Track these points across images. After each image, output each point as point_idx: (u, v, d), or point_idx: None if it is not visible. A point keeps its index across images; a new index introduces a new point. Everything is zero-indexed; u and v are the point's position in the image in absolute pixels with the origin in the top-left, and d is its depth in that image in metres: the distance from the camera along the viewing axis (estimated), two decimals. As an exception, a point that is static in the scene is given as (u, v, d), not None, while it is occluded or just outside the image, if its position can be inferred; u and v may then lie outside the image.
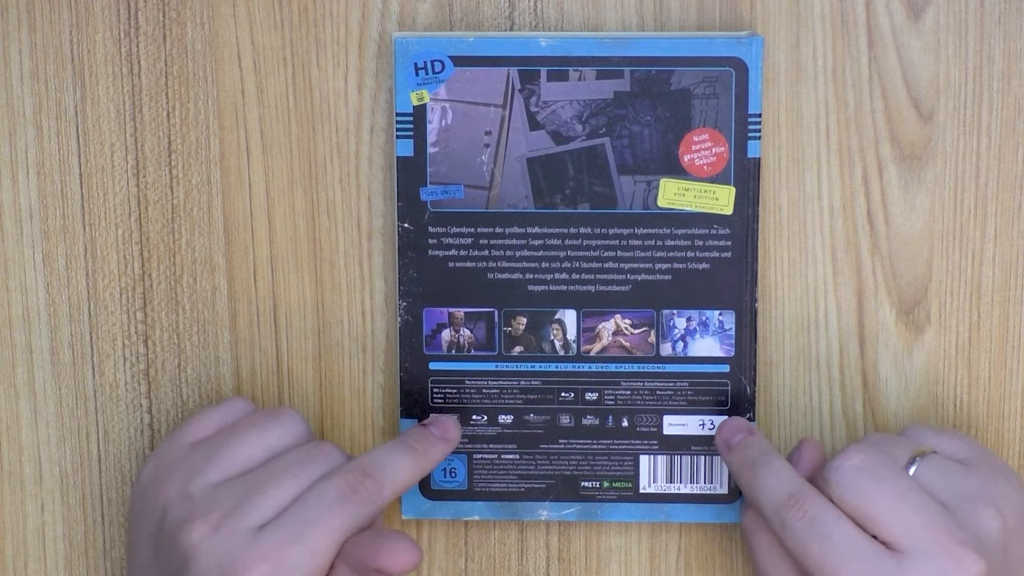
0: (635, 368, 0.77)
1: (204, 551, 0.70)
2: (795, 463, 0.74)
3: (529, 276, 0.77)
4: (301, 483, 0.71)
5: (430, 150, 0.76)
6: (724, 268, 0.77)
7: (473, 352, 0.78)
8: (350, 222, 0.79)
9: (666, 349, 0.77)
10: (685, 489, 0.78)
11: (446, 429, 0.75)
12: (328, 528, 0.70)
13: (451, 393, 0.78)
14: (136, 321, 0.80)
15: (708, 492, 0.78)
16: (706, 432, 0.78)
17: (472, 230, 0.77)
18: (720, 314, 0.77)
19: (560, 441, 0.78)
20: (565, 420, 0.78)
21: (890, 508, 0.70)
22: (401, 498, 0.79)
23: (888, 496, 0.70)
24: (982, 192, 0.78)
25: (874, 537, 0.70)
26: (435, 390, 0.78)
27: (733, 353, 0.77)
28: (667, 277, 0.77)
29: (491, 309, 0.77)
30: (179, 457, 0.74)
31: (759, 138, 0.76)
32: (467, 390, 0.78)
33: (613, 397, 0.78)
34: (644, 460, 0.78)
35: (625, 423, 0.78)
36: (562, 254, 0.77)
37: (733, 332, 0.77)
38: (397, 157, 0.77)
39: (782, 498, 0.70)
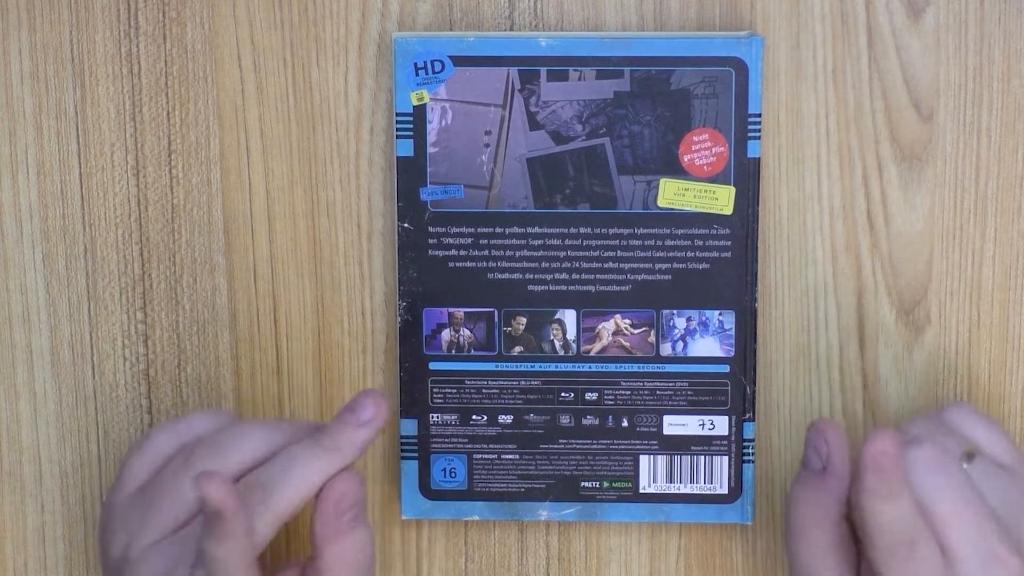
0: (635, 368, 0.77)
1: None
2: (819, 451, 0.72)
3: (529, 276, 0.77)
4: None
5: (430, 150, 0.76)
6: (724, 268, 0.77)
7: (473, 352, 0.78)
8: (350, 222, 0.79)
9: (666, 349, 0.77)
10: (685, 489, 0.78)
11: (362, 411, 0.70)
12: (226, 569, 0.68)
13: (451, 393, 0.78)
14: (136, 321, 0.80)
15: (708, 492, 0.78)
16: (706, 432, 0.78)
17: (472, 230, 0.77)
18: (720, 314, 0.77)
19: (560, 441, 0.78)
20: (565, 420, 0.78)
21: (953, 509, 0.70)
22: (401, 498, 0.79)
23: (952, 497, 0.70)
24: (982, 192, 0.78)
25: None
26: (435, 390, 0.78)
27: (733, 353, 0.77)
28: (667, 277, 0.77)
29: (491, 309, 0.77)
30: (121, 511, 0.73)
31: (759, 138, 0.76)
32: (467, 390, 0.78)
33: (613, 397, 0.78)
34: (644, 460, 0.78)
35: (625, 423, 0.78)
36: (562, 254, 0.77)
37: (733, 332, 0.77)
38: (397, 157, 0.77)
39: (904, 541, 0.69)
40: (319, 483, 0.70)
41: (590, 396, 0.78)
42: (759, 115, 0.76)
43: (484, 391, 0.78)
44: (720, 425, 0.78)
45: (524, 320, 0.77)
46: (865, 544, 0.70)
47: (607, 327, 0.77)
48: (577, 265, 0.77)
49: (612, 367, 0.77)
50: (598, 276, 0.77)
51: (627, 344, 0.77)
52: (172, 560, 0.71)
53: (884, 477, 0.68)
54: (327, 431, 0.71)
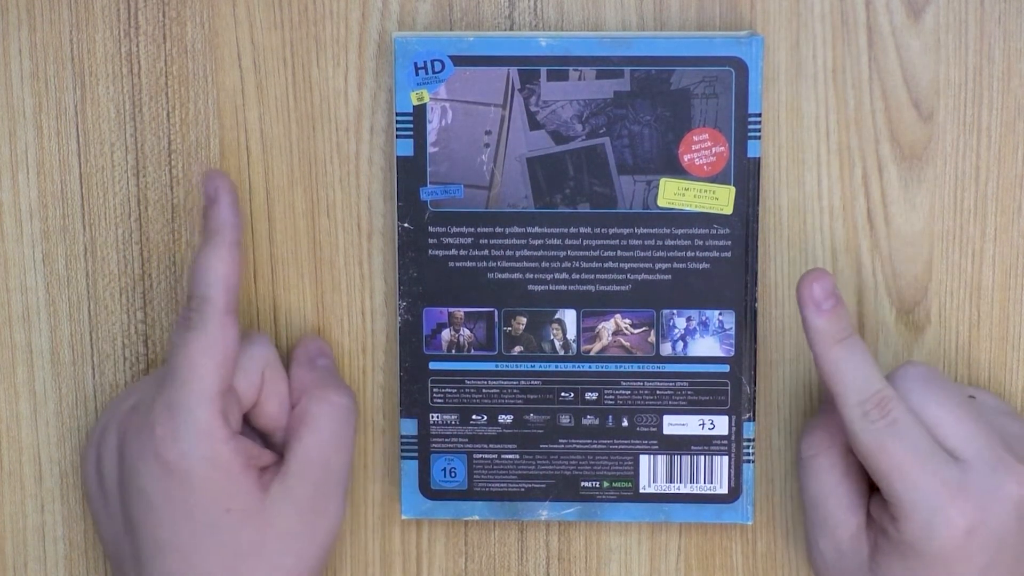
0: (635, 368, 0.77)
1: (127, 432, 0.73)
2: (810, 301, 0.74)
3: (529, 276, 0.77)
4: None
5: (430, 150, 0.76)
6: (724, 268, 0.77)
7: (473, 352, 0.78)
8: (350, 222, 0.79)
9: (666, 349, 0.77)
10: (685, 489, 0.78)
11: (207, 190, 0.74)
12: (187, 361, 0.71)
13: (451, 393, 0.78)
14: (136, 321, 0.80)
15: (708, 492, 0.78)
16: (706, 432, 0.78)
17: (472, 230, 0.77)
18: (720, 314, 0.77)
19: (560, 441, 0.78)
20: (565, 420, 0.78)
21: (954, 417, 0.71)
22: (401, 498, 0.79)
23: (952, 405, 0.72)
24: (982, 192, 0.78)
25: None
26: (435, 390, 0.78)
27: (733, 353, 0.77)
28: (667, 277, 0.77)
29: (491, 309, 0.77)
30: (107, 414, 0.76)
31: (759, 138, 0.76)
32: (467, 390, 0.78)
33: (613, 397, 0.78)
34: (644, 460, 0.78)
35: (625, 423, 0.78)
36: (562, 254, 0.77)
37: (733, 332, 0.77)
38: (397, 157, 0.77)
39: (868, 393, 0.70)
40: (227, 270, 0.72)
41: (590, 396, 0.78)
42: (759, 115, 0.76)
43: (484, 391, 0.78)
44: (720, 425, 0.78)
45: (524, 320, 0.77)
46: (840, 413, 0.71)
47: (607, 327, 0.77)
48: (577, 265, 0.77)
49: (612, 367, 0.77)
50: (598, 276, 0.77)
51: (627, 344, 0.77)
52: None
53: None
54: (205, 221, 0.74)
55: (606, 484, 0.78)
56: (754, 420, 0.78)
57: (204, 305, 0.71)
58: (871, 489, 0.74)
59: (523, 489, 0.79)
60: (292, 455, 0.74)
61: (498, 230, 0.77)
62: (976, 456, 0.70)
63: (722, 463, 0.78)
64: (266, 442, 0.76)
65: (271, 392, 0.75)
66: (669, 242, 0.76)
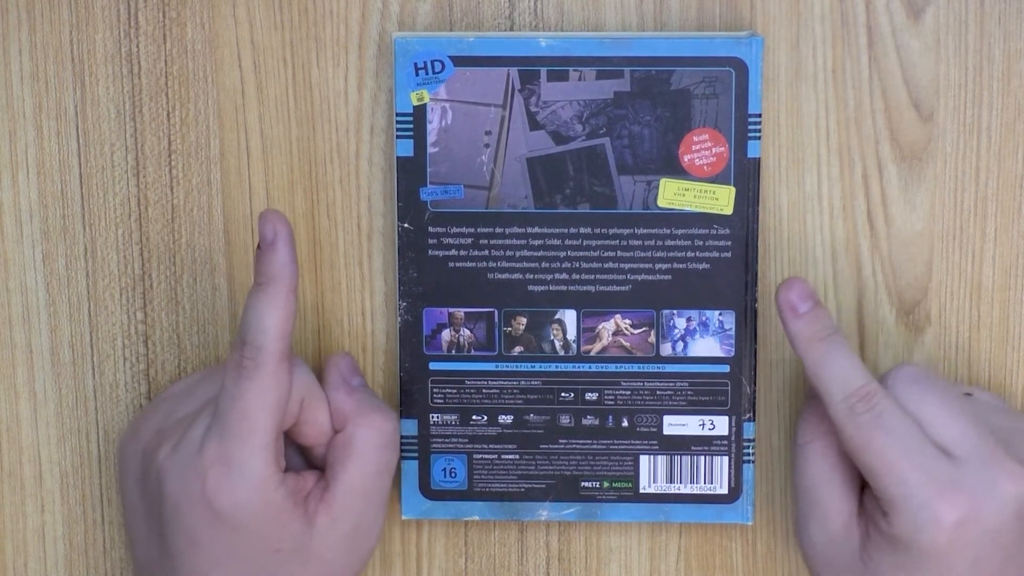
0: (635, 368, 0.77)
1: (168, 469, 0.72)
2: (787, 306, 0.74)
3: (529, 276, 0.77)
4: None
5: (430, 150, 0.76)
6: (724, 268, 0.77)
7: (473, 352, 0.78)
8: (350, 222, 0.79)
9: (666, 349, 0.77)
10: (685, 489, 0.78)
11: (264, 232, 0.71)
12: (241, 413, 0.70)
13: (451, 393, 0.78)
14: (136, 321, 0.80)
15: (708, 492, 0.78)
16: (706, 432, 0.78)
17: (472, 230, 0.77)
18: (720, 314, 0.77)
19: (560, 441, 0.78)
20: (565, 420, 0.78)
21: (948, 415, 0.71)
22: (401, 498, 0.79)
23: (946, 404, 0.71)
24: (982, 192, 0.78)
25: None
26: (435, 390, 0.78)
27: (733, 353, 0.77)
28: (667, 277, 0.77)
29: (491, 309, 0.77)
30: (156, 409, 0.76)
31: (759, 138, 0.76)
32: (467, 390, 0.78)
33: (613, 397, 0.78)
34: (644, 460, 0.78)
35: (625, 423, 0.78)
36: (562, 254, 0.77)
37: (733, 332, 0.77)
38: (397, 157, 0.77)
39: (853, 387, 0.70)
40: (283, 318, 0.71)
41: (590, 396, 0.78)
42: (759, 115, 0.76)
43: (484, 391, 0.78)
44: (720, 425, 0.78)
45: (524, 320, 0.77)
46: (828, 412, 0.71)
47: (607, 327, 0.77)
48: (577, 265, 0.77)
49: (612, 367, 0.77)
50: (598, 276, 0.77)
51: (627, 344, 0.77)
52: (192, 418, 0.73)
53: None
54: (256, 270, 0.72)
55: (606, 484, 0.79)
56: (754, 420, 0.78)
57: (258, 354, 0.70)
58: (863, 481, 0.74)
59: (523, 489, 0.79)
60: (338, 484, 0.73)
61: (498, 230, 0.77)
62: (970, 452, 0.70)
63: (722, 463, 0.78)
64: (305, 454, 0.76)
65: (310, 419, 0.74)
66: (669, 242, 0.76)
